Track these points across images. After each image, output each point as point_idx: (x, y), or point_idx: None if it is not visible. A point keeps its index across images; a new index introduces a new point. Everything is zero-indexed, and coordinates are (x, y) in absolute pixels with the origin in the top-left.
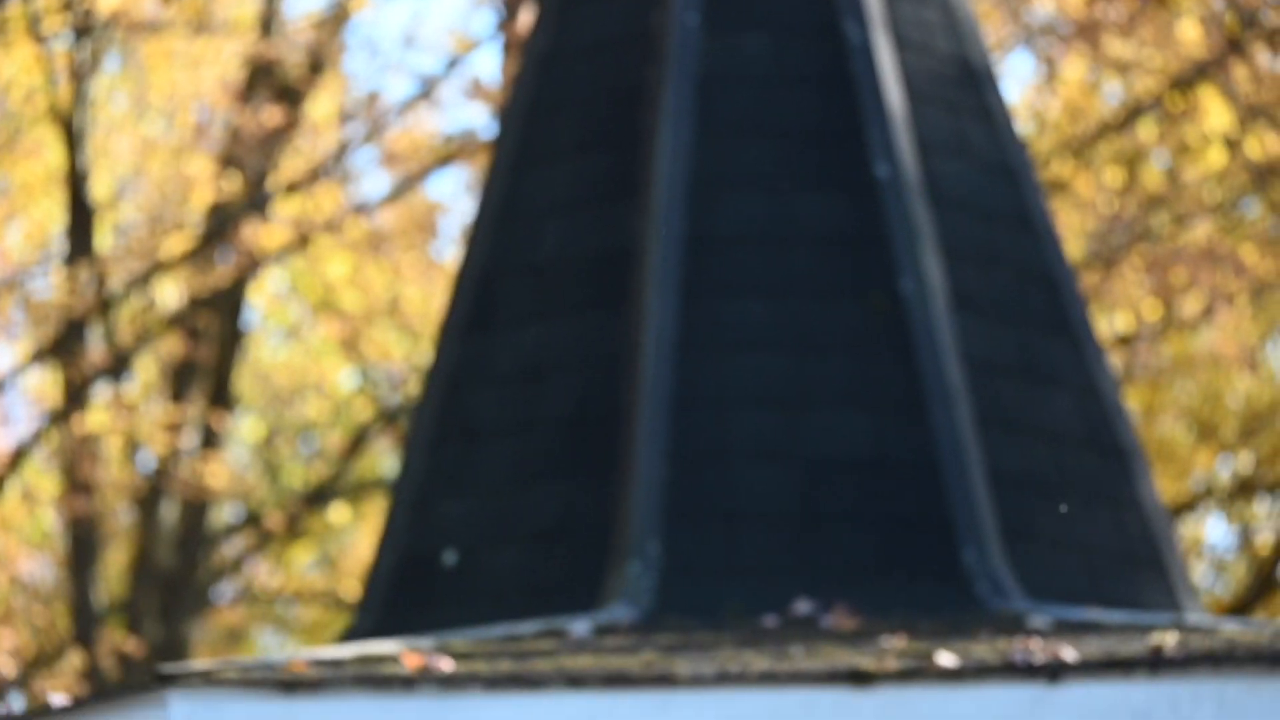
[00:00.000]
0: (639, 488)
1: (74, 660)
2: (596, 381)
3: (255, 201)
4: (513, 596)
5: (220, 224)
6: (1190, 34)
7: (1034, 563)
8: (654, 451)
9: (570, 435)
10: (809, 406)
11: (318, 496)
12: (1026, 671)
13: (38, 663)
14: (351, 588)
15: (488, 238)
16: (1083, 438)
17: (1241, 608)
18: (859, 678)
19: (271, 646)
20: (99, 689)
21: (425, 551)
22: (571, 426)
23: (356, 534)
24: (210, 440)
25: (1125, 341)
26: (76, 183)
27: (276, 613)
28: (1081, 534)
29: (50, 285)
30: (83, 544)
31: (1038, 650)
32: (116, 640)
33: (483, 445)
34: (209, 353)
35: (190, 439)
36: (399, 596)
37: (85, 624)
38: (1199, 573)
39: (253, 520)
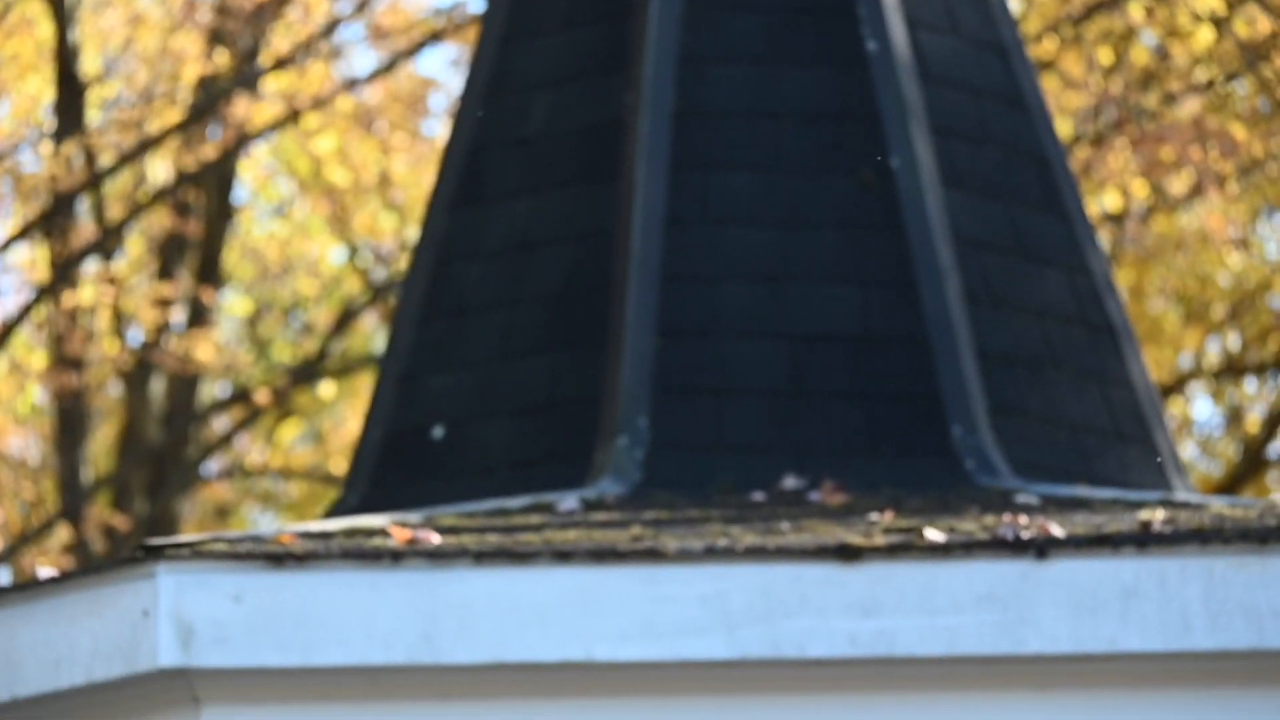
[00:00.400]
0: (627, 363)
1: (61, 536)
2: (585, 256)
3: (244, 77)
4: (501, 471)
5: (209, 99)
6: None
7: (1023, 440)
8: (642, 326)
9: (558, 310)
10: (798, 281)
11: (306, 372)
12: (1014, 547)
13: (25, 538)
14: (340, 465)
15: (476, 112)
16: (1072, 315)
17: (1230, 487)
18: (847, 553)
19: (260, 523)
20: (86, 563)
21: (413, 426)
22: (560, 301)
23: (345, 410)
24: (199, 316)
25: (1114, 220)
26: (66, 58)
27: (265, 489)
28: (1071, 411)
29: (39, 160)
30: (70, 419)
31: (1026, 526)
32: (104, 516)
33: (471, 320)
34: (198, 228)
35: (179, 315)
36: (386, 471)
37: (73, 499)
38: (1188, 452)
39: (241, 396)
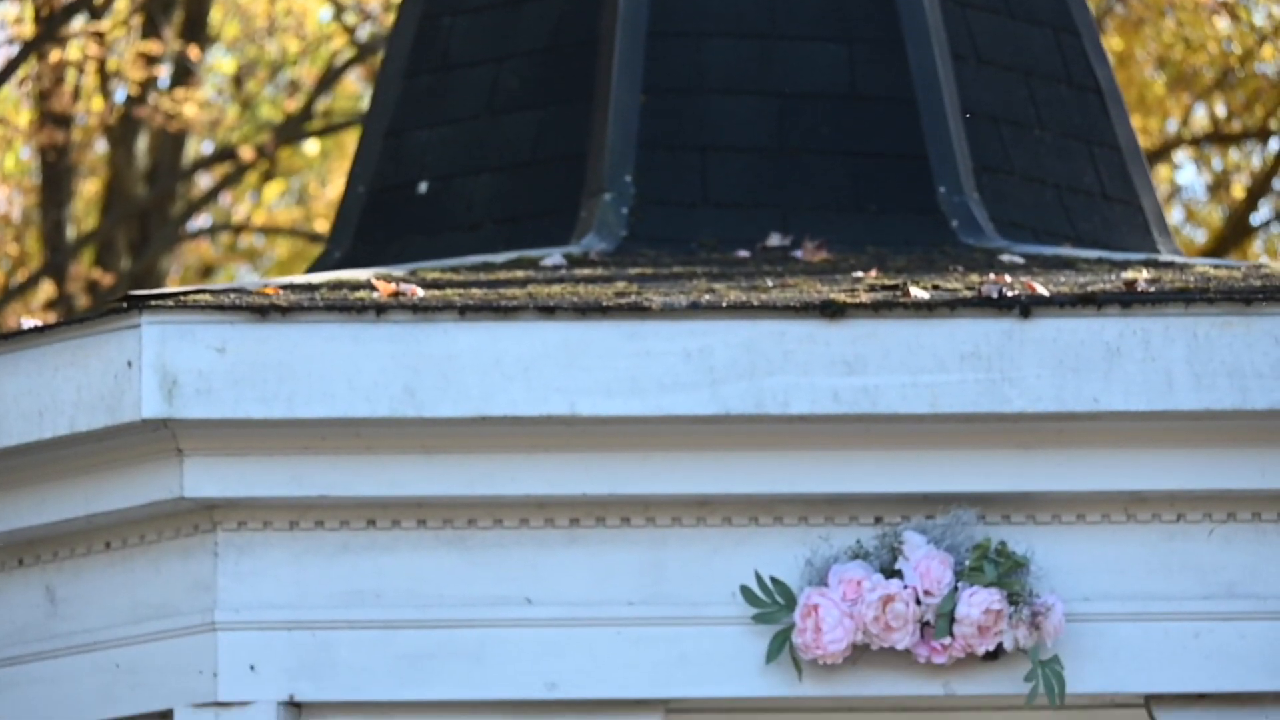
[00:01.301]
0: (613, 119)
1: (45, 292)
2: (572, 11)
3: None
4: (486, 226)
5: None
6: None
7: (1008, 199)
8: (629, 82)
9: (545, 65)
10: (784, 38)
11: (292, 130)
12: (998, 305)
13: (8, 294)
14: (325, 225)
15: None
16: (1059, 75)
17: (1215, 254)
18: (831, 309)
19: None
20: (70, 316)
21: (398, 181)
22: (546, 56)
23: (331, 169)
24: (185, 74)
25: None
26: None
27: (250, 246)
28: (1056, 171)
29: None
30: (55, 176)
31: (1010, 285)
32: (88, 272)
33: (457, 74)
34: None
35: (165, 72)
36: (371, 225)
37: (57, 256)
38: (1174, 218)
39: (226, 153)
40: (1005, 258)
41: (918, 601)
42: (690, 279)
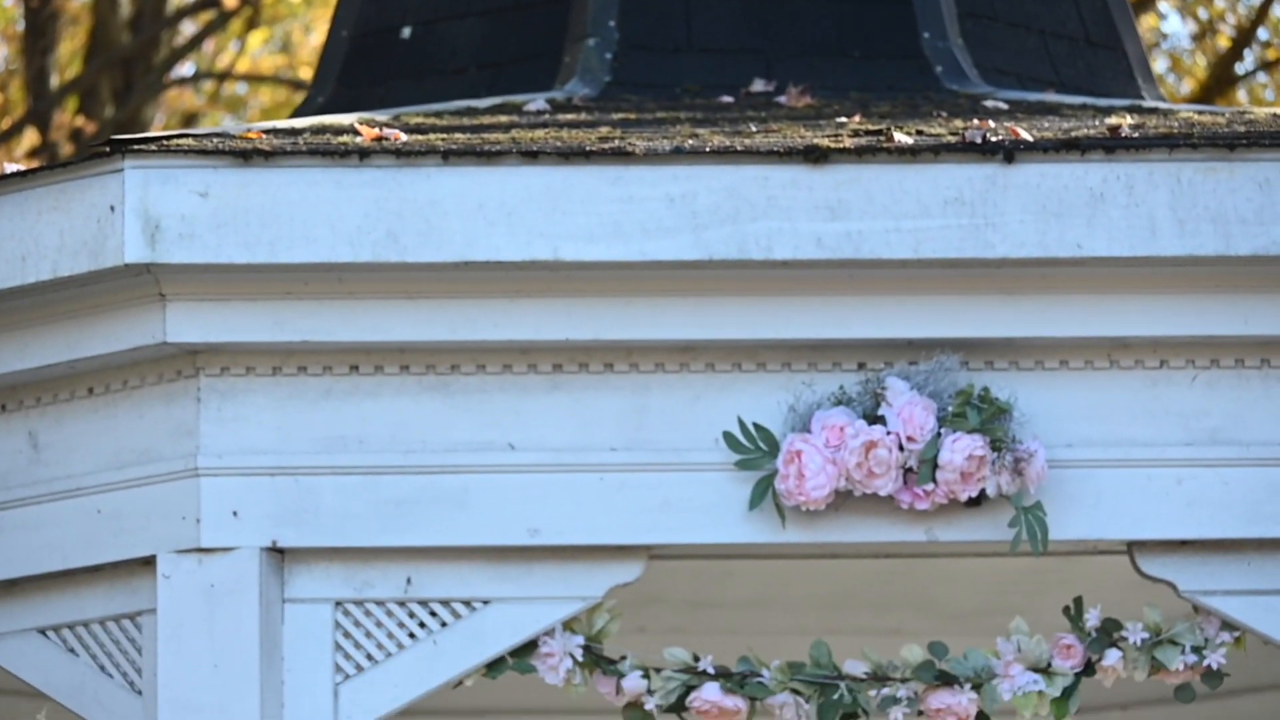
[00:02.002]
0: None
1: (29, 139)
2: None
3: None
4: (469, 71)
5: None
6: None
7: (992, 45)
8: None
9: None
10: None
11: None
12: (982, 150)
13: None
14: (308, 74)
15: None
16: None
17: (1200, 102)
18: (814, 154)
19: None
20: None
21: (381, 25)
22: None
23: (314, 19)
24: None
25: None
26: None
27: (233, 95)
28: (1041, 17)
29: None
30: (39, 23)
31: (994, 130)
32: (71, 120)
33: None
34: None
35: None
36: (354, 71)
37: (40, 104)
38: (1158, 67)
39: (210, 2)
40: (989, 103)
41: (900, 448)
42: (674, 124)
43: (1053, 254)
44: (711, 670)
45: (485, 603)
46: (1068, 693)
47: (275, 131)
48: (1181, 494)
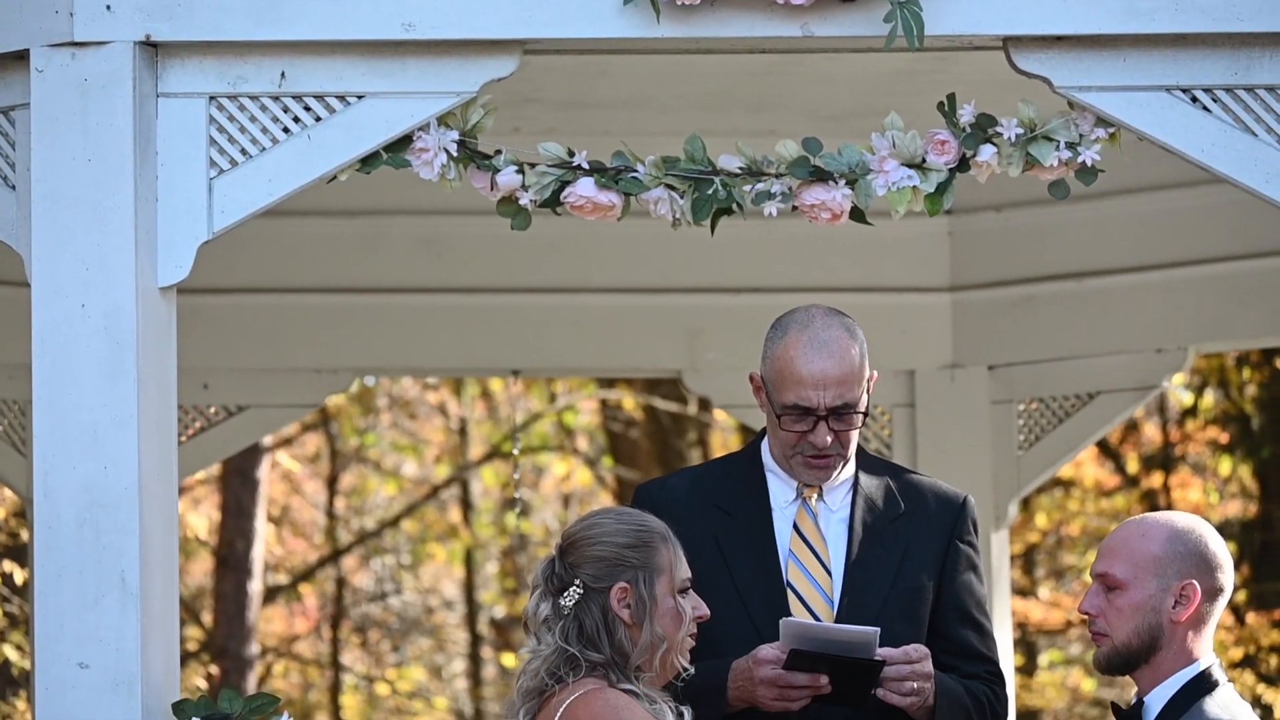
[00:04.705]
0: None
1: None
2: None
3: None
4: None
5: None
6: None
7: None
8: None
9: None
10: None
11: None
12: None
13: None
14: None
15: None
16: None
17: None
18: None
19: None
20: None
21: None
22: None
23: None
24: None
25: None
26: None
27: None
28: None
29: None
30: None
31: None
32: None
33: None
34: None
35: None
36: None
37: None
38: None
39: None
40: None
41: None
42: None
43: None
44: (586, 165)
45: (359, 97)
46: (942, 188)
47: None
48: None
